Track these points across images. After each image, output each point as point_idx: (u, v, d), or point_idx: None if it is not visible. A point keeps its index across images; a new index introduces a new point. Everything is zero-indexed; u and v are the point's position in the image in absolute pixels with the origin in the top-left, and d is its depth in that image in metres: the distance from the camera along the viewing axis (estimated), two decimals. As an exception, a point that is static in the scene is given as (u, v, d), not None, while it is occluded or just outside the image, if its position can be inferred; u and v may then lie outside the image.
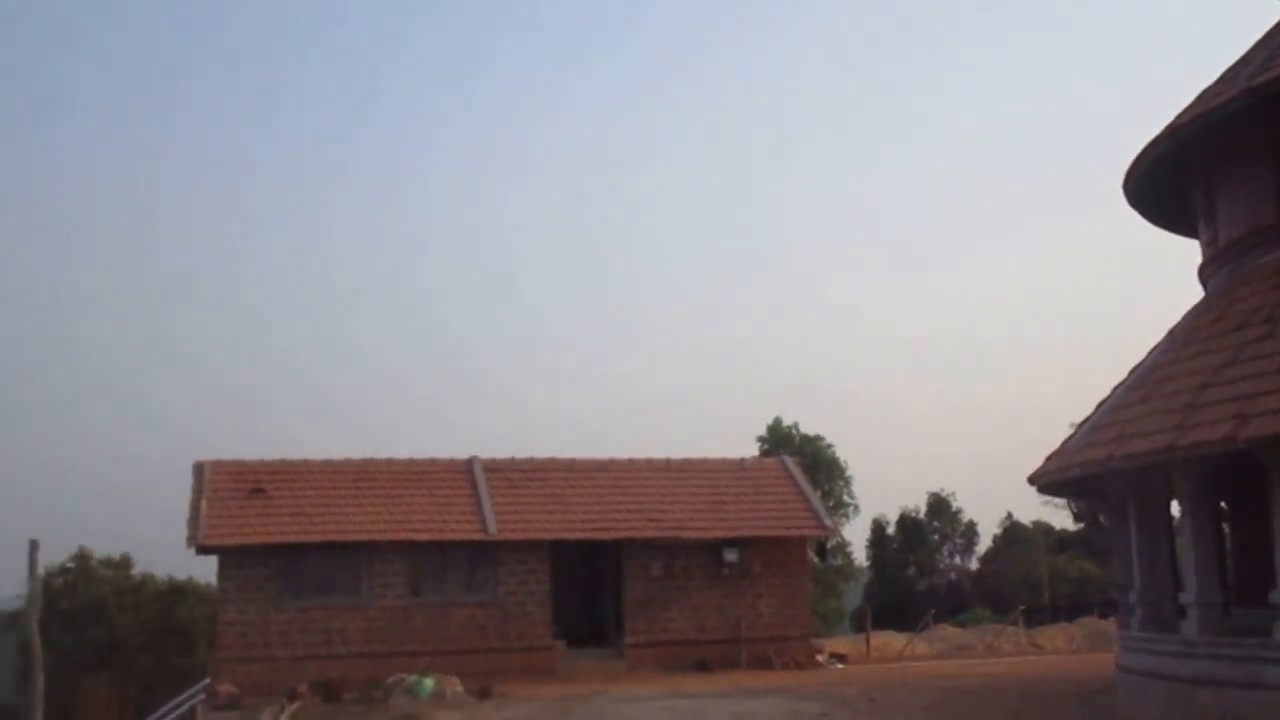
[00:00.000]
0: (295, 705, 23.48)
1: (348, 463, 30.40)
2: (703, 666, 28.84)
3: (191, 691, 18.50)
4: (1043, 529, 67.15)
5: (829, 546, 44.28)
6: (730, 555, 30.08)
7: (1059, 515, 63.40)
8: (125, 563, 42.36)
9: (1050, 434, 20.74)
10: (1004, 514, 71.23)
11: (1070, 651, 36.51)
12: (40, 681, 16.59)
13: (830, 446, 52.31)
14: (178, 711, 17.53)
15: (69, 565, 41.01)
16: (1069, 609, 52.39)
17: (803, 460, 39.42)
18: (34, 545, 16.62)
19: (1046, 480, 19.08)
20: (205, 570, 40.73)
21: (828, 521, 32.06)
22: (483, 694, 24.59)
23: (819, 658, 30.58)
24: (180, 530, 27.52)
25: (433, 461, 30.91)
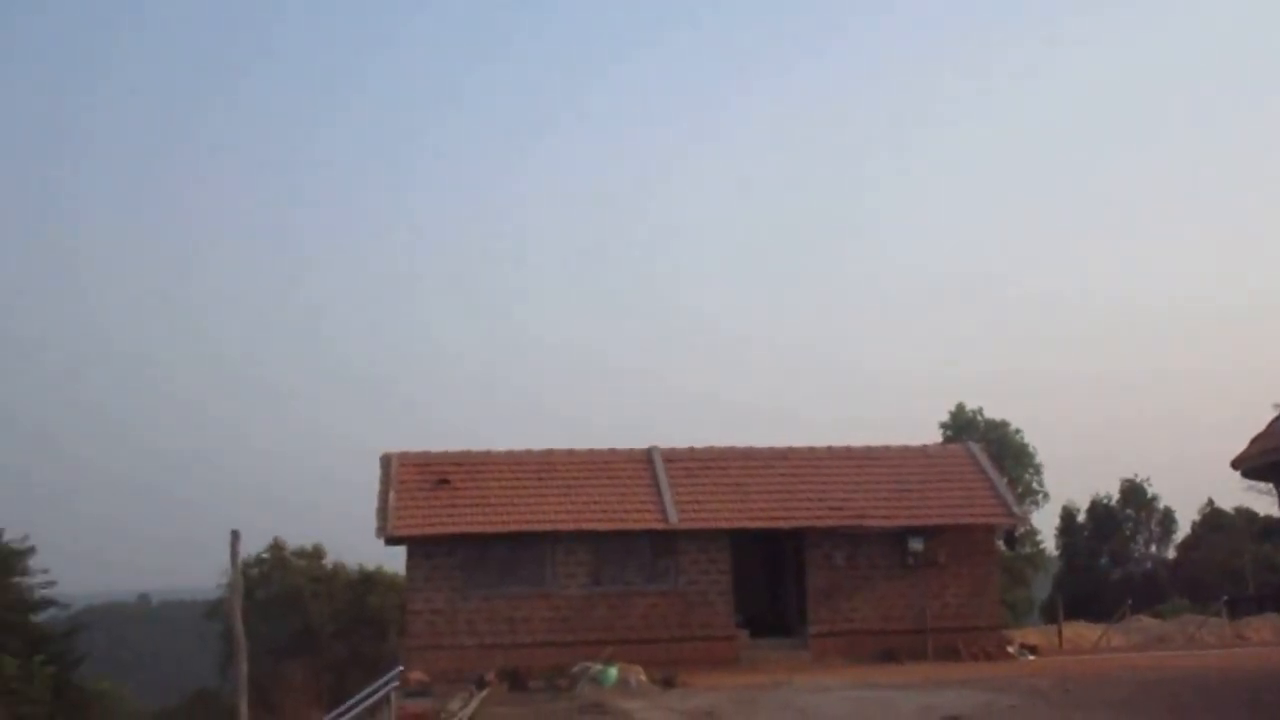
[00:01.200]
0: (484, 693, 24.01)
1: (529, 454, 30.90)
2: (889, 657, 28.49)
3: (387, 678, 19.10)
4: (1246, 516, 64.35)
5: (1017, 535, 43.28)
6: (915, 544, 29.62)
7: (1263, 501, 60.63)
8: (318, 553, 44.00)
9: (1255, 415, 19.85)
10: (1204, 500, 68.61)
11: (1278, 644, 34.90)
12: (244, 667, 17.31)
13: (1018, 432, 51.09)
14: (374, 698, 18.10)
15: (264, 556, 42.78)
16: (1276, 599, 50.08)
17: (988, 446, 38.58)
18: (235, 536, 17.36)
19: (1250, 464, 18.29)
20: (393, 560, 42.08)
21: (1016, 509, 31.29)
22: (666, 683, 24.75)
23: (1009, 649, 29.89)
24: (369, 521, 28.46)
25: (612, 452, 31.21)
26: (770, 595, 31.70)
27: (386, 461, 29.99)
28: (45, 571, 48.27)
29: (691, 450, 31.57)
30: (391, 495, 28.68)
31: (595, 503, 29.20)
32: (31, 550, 47.75)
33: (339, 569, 43.42)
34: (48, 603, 49.03)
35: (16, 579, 47.36)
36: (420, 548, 28.38)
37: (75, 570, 59.23)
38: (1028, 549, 50.75)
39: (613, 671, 24.99)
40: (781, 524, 29.50)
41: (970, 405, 51.46)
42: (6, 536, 47.14)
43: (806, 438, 34.46)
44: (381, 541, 28.44)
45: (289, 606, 41.86)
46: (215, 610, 45.82)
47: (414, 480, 29.46)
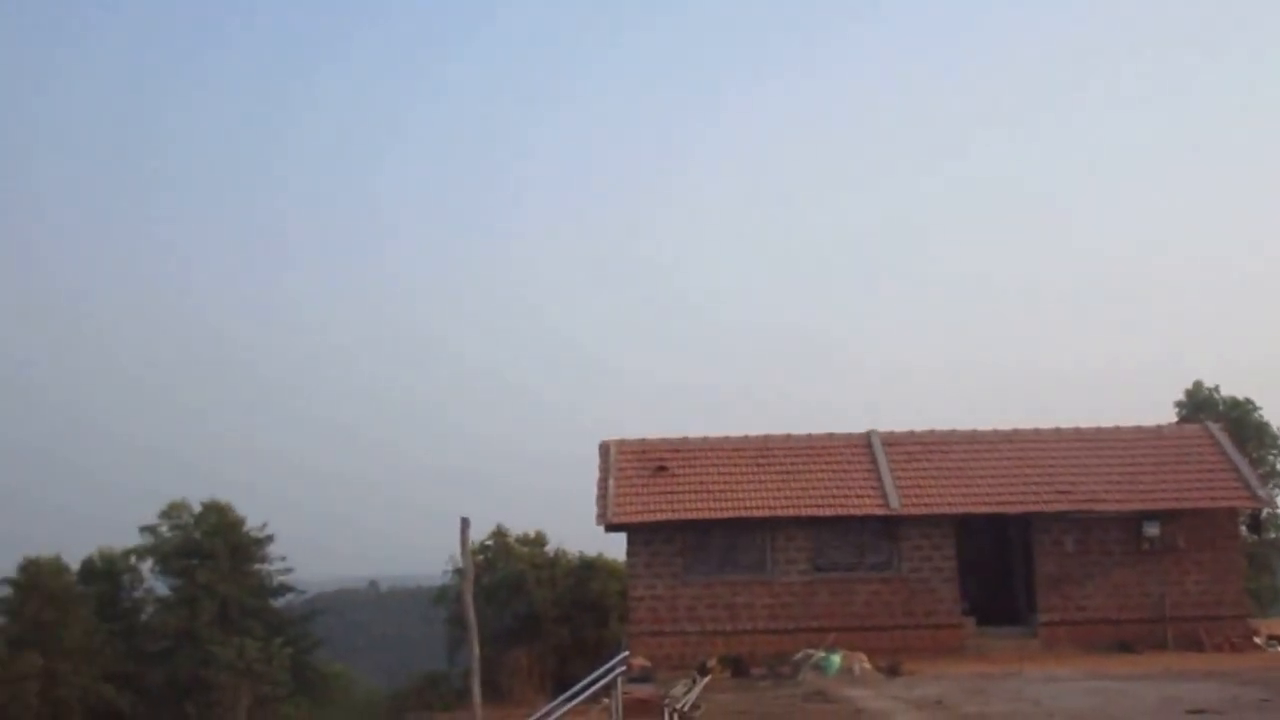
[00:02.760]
0: (706, 679, 24.24)
1: (746, 440, 31.00)
2: (1124, 647, 27.56)
3: (613, 663, 19.51)
4: None
5: (1262, 519, 41.20)
6: (1151, 529, 28.57)
7: None
8: (540, 540, 44.98)
9: None
10: None
11: None
12: (477, 649, 17.90)
13: (1258, 410, 48.61)
14: (600, 683, 18.52)
15: (488, 544, 43.97)
16: None
17: (1227, 426, 36.85)
18: (465, 522, 17.94)
19: None
20: (613, 547, 42.79)
21: (1260, 492, 29.85)
22: (891, 671, 24.54)
23: (1256, 639, 28.56)
24: (589, 509, 29.06)
25: (830, 436, 31.06)
26: (997, 582, 31.05)
27: (605, 449, 30.54)
28: (283, 559, 51.03)
29: (912, 434, 31.17)
30: (611, 483, 29.22)
31: (814, 488, 29.13)
32: (270, 539, 50.48)
33: (560, 556, 44.27)
34: (286, 589, 51.75)
35: (257, 566, 50.15)
36: (640, 534, 28.83)
37: (309, 558, 62.21)
38: (1273, 534, 48.19)
39: (836, 659, 24.92)
40: (1008, 509, 28.87)
41: (1208, 383, 49.12)
42: (247, 526, 49.95)
43: (1028, 421, 33.48)
44: (601, 528, 29.02)
45: (512, 593, 42.91)
46: (441, 596, 47.37)
47: (632, 467, 29.93)
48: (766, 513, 28.42)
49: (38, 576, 44.63)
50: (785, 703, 21.05)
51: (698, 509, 28.51)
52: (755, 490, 29.07)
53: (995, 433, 31.20)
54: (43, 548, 46.83)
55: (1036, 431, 31.25)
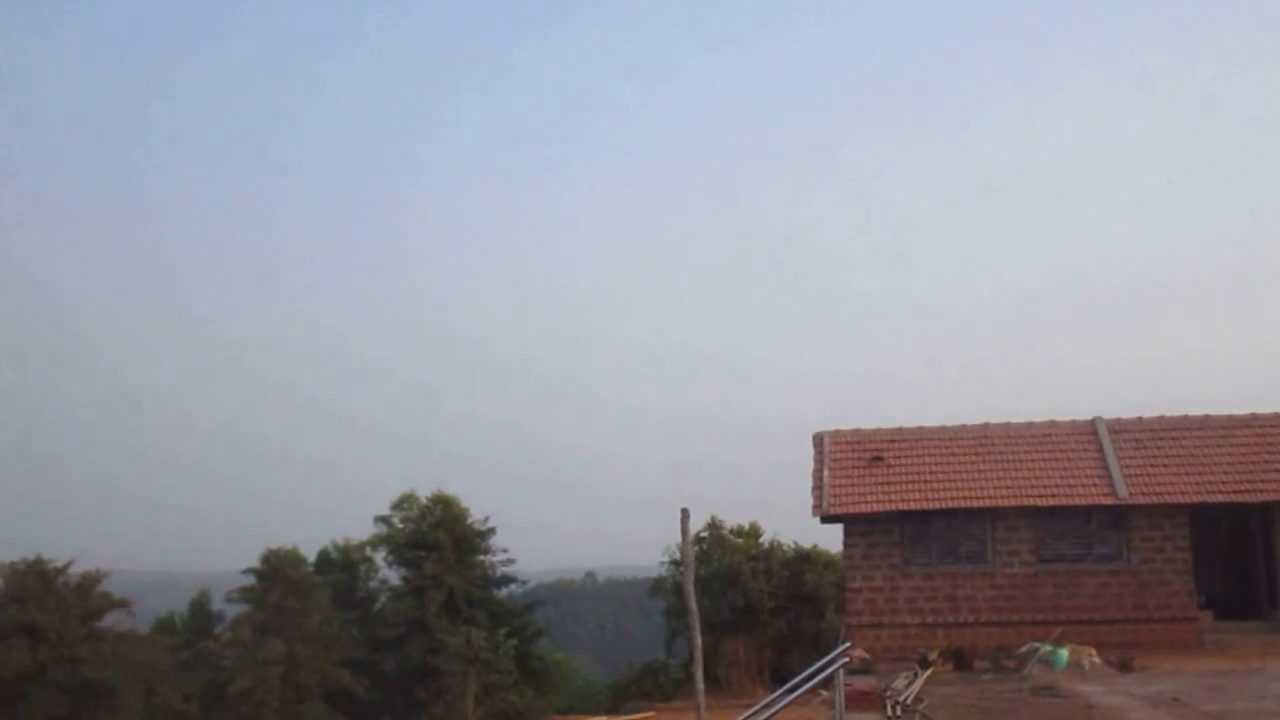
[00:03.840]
0: (928, 672, 23.71)
1: (964, 429, 30.21)
2: (1379, 644, 25.81)
3: (833, 654, 19.18)
4: None
5: None
6: (1406, 518, 26.68)
7: None
8: (755, 531, 44.88)
9: None
10: None
11: None
12: (699, 639, 17.92)
13: None
14: (821, 675, 18.26)
15: (703, 535, 44.06)
16: None
17: None
18: (685, 514, 17.96)
19: None
20: (828, 538, 42.38)
21: None
22: (1123, 666, 23.53)
23: None
24: (804, 500, 28.78)
25: (1053, 424, 29.98)
26: (1235, 574, 29.48)
27: (819, 440, 30.21)
28: (505, 550, 52.24)
29: (1140, 420, 29.83)
30: (826, 473, 28.88)
31: (1037, 477, 28.17)
32: (492, 531, 51.74)
33: (775, 547, 44.13)
34: (508, 579, 52.97)
35: (480, 557, 51.46)
36: (856, 525, 28.41)
37: (530, 550, 63.47)
38: None
39: (1064, 653, 24.02)
40: (1247, 498, 27.32)
41: None
42: (470, 518, 51.31)
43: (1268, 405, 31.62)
44: (817, 519, 28.71)
45: (728, 584, 42.94)
46: (658, 587, 47.71)
47: (847, 458, 29.52)
48: (988, 502, 27.64)
49: (279, 567, 46.80)
50: (1011, 697, 20.38)
51: (915, 499, 27.93)
52: (975, 479, 28.30)
53: (1231, 418, 29.59)
54: (281, 539, 49.11)
55: (1277, 416, 29.51)
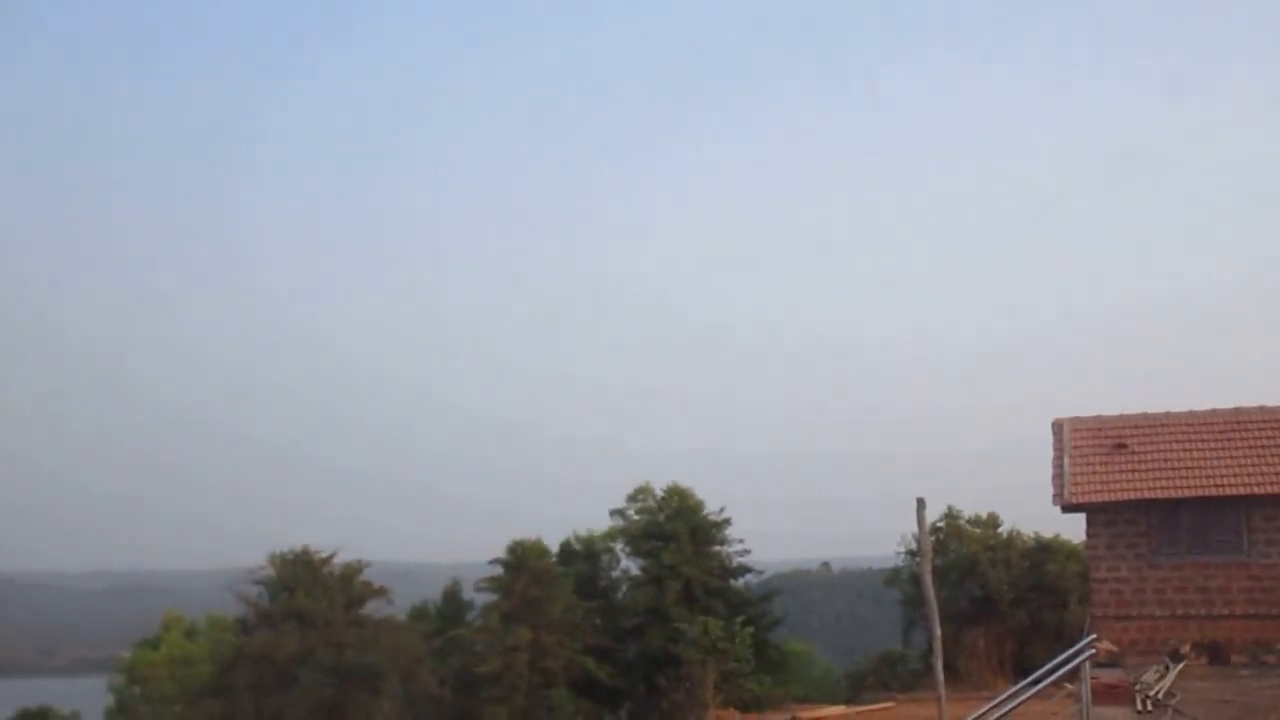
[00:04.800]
0: (1180, 666, 22.68)
1: (1214, 414, 28.67)
2: None
3: (1079, 647, 18.53)
4: None
5: None
6: None
7: None
8: (992, 521, 43.85)
9: None
10: None
11: None
12: (938, 629, 17.62)
13: None
14: (1066, 668, 17.67)
15: (939, 525, 43.29)
16: None
17: None
18: (920, 503, 17.71)
19: None
20: (1069, 527, 40.96)
21: None
22: (1396, 662, 22.00)
23: None
24: (1043, 489, 27.91)
25: (1314, 407, 28.22)
26: None
27: (1059, 428, 29.21)
28: (741, 541, 52.31)
29: None
30: (1066, 461, 27.92)
31: (1297, 463, 26.56)
32: (728, 522, 51.87)
33: (1014, 537, 43.00)
34: (744, 569, 53.04)
35: (716, 548, 51.69)
36: (1100, 514, 27.36)
37: (765, 540, 63.42)
38: None
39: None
40: None
41: None
42: (706, 510, 51.57)
43: None
44: (1057, 509, 27.82)
45: (965, 574, 42.11)
46: (894, 577, 47.10)
47: (1088, 446, 28.46)
48: (1243, 490, 26.21)
49: (524, 558, 48.07)
50: (1274, 693, 19.30)
51: (1163, 487, 26.73)
52: (1228, 466, 26.87)
53: None
54: (525, 531, 50.28)
55: None
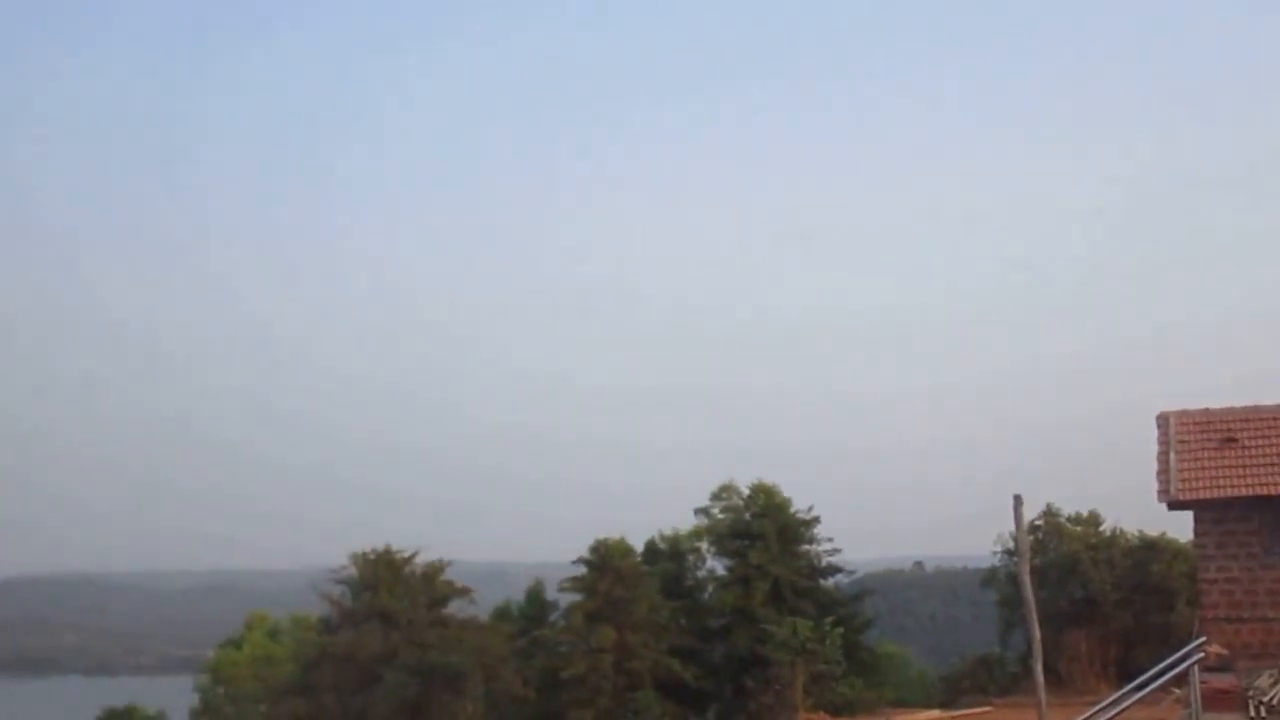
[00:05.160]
0: (1296, 670, 22.05)
1: (1329, 407, 27.90)
2: None
3: (1187, 650, 18.09)
4: None
5: None
6: None
7: None
8: (1093, 519, 43.07)
9: None
10: None
11: None
12: (1037, 631, 17.27)
13: None
14: (1173, 672, 17.25)
15: (1038, 523, 42.59)
16: None
17: None
18: (1018, 501, 17.40)
19: None
20: (1176, 525, 40.04)
21: None
22: None
23: None
24: (1146, 485, 27.30)
25: None
26: None
27: (1164, 421, 28.53)
28: (830, 540, 51.89)
29: None
30: (1172, 457, 27.26)
31: None
32: (816, 520, 51.50)
33: (1117, 535, 42.16)
34: (834, 569, 52.61)
35: (805, 547, 51.35)
36: (1208, 512, 26.67)
37: (856, 539, 62.87)
38: None
39: None
40: None
41: None
42: (794, 508, 51.26)
43: None
44: (1163, 507, 27.20)
45: (1066, 574, 41.38)
46: (990, 577, 46.44)
47: (1196, 440, 27.75)
48: (1363, 487, 25.41)
49: (608, 557, 48.14)
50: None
51: (1276, 484, 25.98)
52: (1343, 461, 26.08)
53: None
54: (607, 530, 50.24)
55: None
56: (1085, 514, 43.57)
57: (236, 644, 60.51)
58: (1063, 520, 43.26)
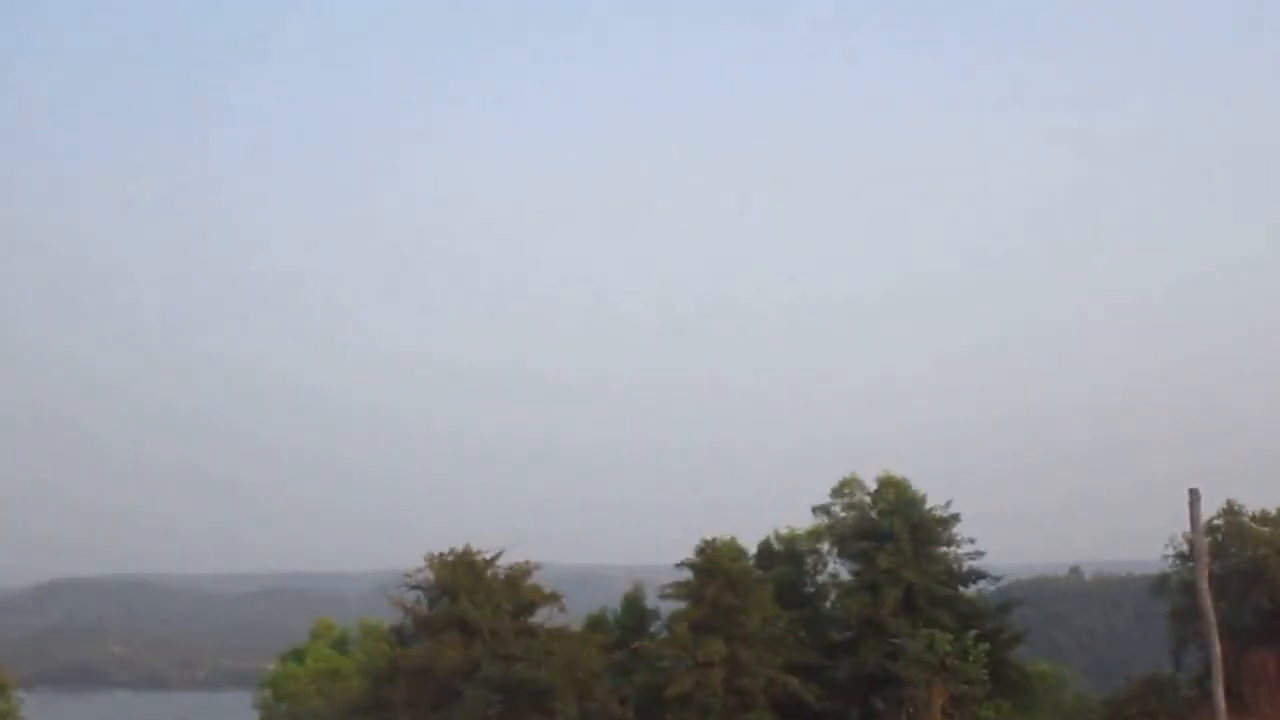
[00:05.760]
0: None
1: None
2: None
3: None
4: None
5: None
6: None
7: None
8: (1280, 520, 42.14)
9: None
10: None
11: None
12: (1217, 648, 16.88)
13: None
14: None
15: (1217, 523, 41.75)
16: None
17: None
18: (1194, 495, 16.93)
19: None
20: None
21: None
22: None
23: None
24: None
25: None
26: None
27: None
28: (971, 541, 51.21)
29: None
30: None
31: None
32: (955, 518, 50.79)
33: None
34: (976, 575, 51.92)
35: (942, 549, 50.75)
36: None
37: (1002, 540, 62.16)
38: None
39: None
40: None
41: None
42: (929, 504, 50.64)
43: None
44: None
45: (1251, 582, 40.55)
46: (1161, 585, 45.66)
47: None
48: None
49: (716, 560, 48.00)
50: None
51: None
52: None
53: None
54: (714, 529, 50.06)
55: None
56: (1274, 512, 42.69)
57: (299, 656, 61.53)
58: (1246, 520, 42.39)
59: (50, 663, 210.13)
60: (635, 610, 53.14)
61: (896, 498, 50.07)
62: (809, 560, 51.92)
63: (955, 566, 51.02)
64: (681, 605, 48.95)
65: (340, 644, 61.51)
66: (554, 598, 49.42)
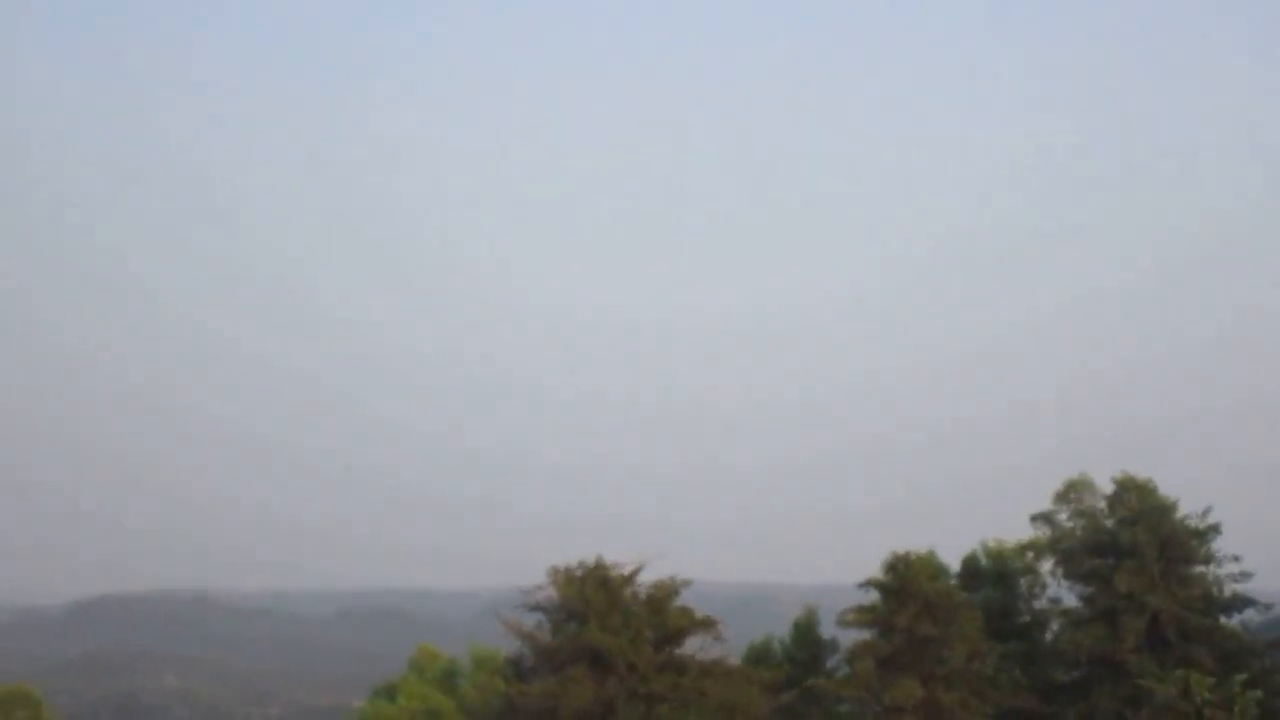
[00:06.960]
0: None
1: None
2: None
3: None
4: None
5: None
6: None
7: None
8: None
9: None
10: None
11: None
12: None
13: None
14: None
15: None
16: None
17: None
18: None
19: None
20: None
21: None
22: None
23: None
24: None
25: None
26: None
27: None
28: (1236, 559, 50.25)
29: None
30: None
31: None
32: (1215, 530, 49.81)
33: None
34: (1243, 601, 50.83)
35: (1199, 569, 49.97)
36: None
37: (1274, 556, 61.16)
38: None
39: None
40: None
41: None
42: (1181, 512, 49.85)
43: None
44: None
45: None
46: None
47: None
48: None
49: (910, 578, 47.70)
50: None
51: None
52: None
53: None
54: (912, 540, 49.97)
55: None
56: None
57: (390, 692, 61.90)
58: None
59: (92, 694, 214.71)
60: (808, 640, 53.27)
61: (1139, 504, 49.34)
62: (1024, 581, 51.69)
63: (1215, 590, 50.37)
64: (866, 635, 48.93)
65: (447, 677, 61.92)
66: (708, 624, 49.08)
